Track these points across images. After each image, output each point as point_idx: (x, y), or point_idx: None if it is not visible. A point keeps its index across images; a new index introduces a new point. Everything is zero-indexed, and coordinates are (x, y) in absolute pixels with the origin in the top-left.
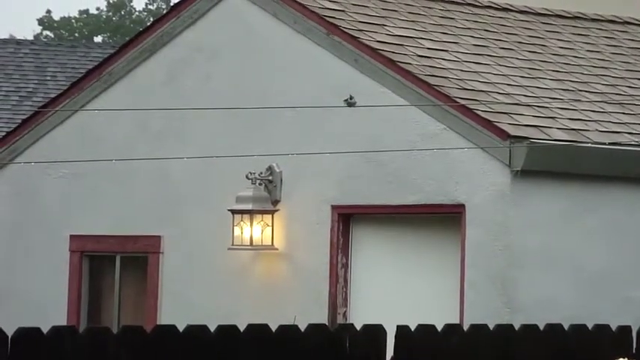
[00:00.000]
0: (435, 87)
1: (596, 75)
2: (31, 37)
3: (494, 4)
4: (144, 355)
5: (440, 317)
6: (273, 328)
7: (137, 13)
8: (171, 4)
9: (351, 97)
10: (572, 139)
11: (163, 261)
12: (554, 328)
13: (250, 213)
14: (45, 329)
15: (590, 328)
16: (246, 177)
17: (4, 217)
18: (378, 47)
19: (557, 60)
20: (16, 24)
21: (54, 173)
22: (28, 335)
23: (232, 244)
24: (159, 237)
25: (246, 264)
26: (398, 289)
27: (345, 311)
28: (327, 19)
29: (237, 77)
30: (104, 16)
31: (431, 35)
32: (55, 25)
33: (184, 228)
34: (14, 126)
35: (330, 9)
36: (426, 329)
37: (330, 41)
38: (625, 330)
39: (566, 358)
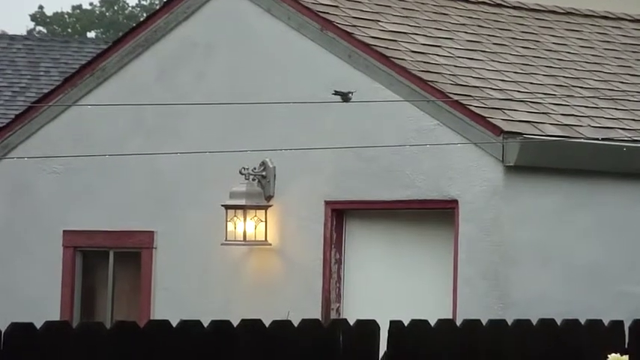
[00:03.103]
0: (429, 82)
1: (589, 71)
2: (23, 33)
3: None
4: (137, 350)
5: (433, 312)
6: (267, 323)
7: (130, 8)
8: None
9: (350, 93)
10: (565, 135)
11: (157, 256)
12: (546, 324)
13: (244, 208)
14: (38, 324)
15: (582, 323)
16: (240, 172)
17: None
18: (371, 43)
19: (550, 56)
20: (9, 20)
21: (47, 169)
22: (21, 330)
23: (226, 240)
24: (152, 232)
25: (240, 259)
26: (391, 284)
27: (339, 307)
28: (321, 14)
29: (231, 73)
30: (97, 12)
31: (424, 31)
32: (48, 20)
33: (178, 223)
34: (7, 121)
35: (324, 4)
36: (419, 324)
37: (323, 37)
38: (618, 325)
39: (558, 354)
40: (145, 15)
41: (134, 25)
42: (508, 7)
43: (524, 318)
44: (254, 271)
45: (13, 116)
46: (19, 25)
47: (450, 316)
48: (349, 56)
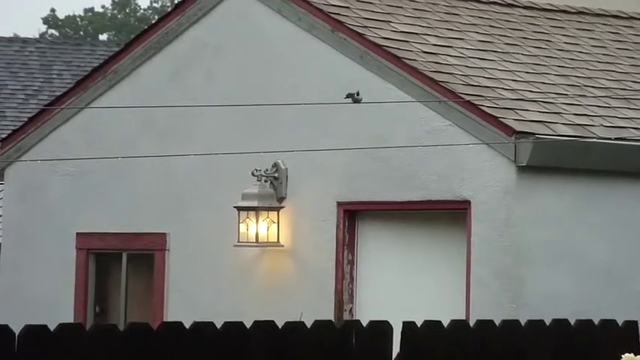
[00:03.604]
0: (441, 83)
1: (601, 70)
2: (36, 36)
3: None
4: (151, 351)
5: (446, 313)
6: (280, 324)
7: (142, 10)
8: (176, 1)
9: (357, 94)
10: (577, 135)
11: (169, 258)
12: (560, 324)
13: (256, 210)
14: (52, 327)
15: (596, 323)
16: (252, 174)
17: (11, 214)
18: (383, 44)
19: (562, 55)
20: (21, 23)
21: (60, 171)
22: (35, 333)
23: (238, 241)
24: (165, 234)
25: (252, 261)
26: (404, 285)
27: (352, 308)
28: (332, 15)
29: (243, 74)
30: (109, 14)
31: (436, 31)
32: (60, 23)
33: (190, 225)
34: (20, 124)
35: (335, 5)
36: (432, 325)
37: (335, 38)
38: (631, 325)
39: (572, 354)
40: (156, 17)
41: (146, 27)
42: (519, 6)
43: (536, 318)
44: (266, 273)
45: (26, 119)
46: (32, 28)
47: (463, 317)
48: (361, 57)
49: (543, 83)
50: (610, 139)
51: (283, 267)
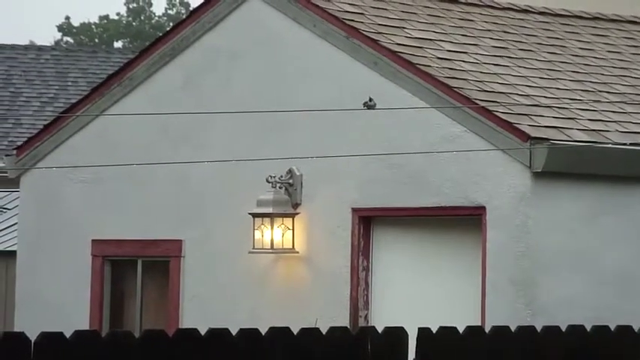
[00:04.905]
0: (455, 89)
1: (616, 75)
2: (51, 44)
3: (514, 5)
4: (166, 358)
5: (461, 319)
6: (295, 330)
7: (157, 18)
8: (191, 8)
9: (370, 100)
10: (592, 140)
11: (185, 265)
12: (576, 330)
13: (271, 216)
14: (68, 334)
15: (612, 329)
16: (267, 180)
17: (27, 221)
18: (397, 50)
19: (576, 61)
20: (36, 30)
21: (75, 178)
22: (51, 340)
23: (253, 248)
24: (180, 241)
25: (267, 267)
26: (419, 291)
27: (367, 314)
28: (347, 22)
29: (257, 81)
30: (124, 22)
31: (450, 37)
32: (75, 31)
33: (205, 232)
34: (36, 131)
35: (350, 12)
36: (448, 331)
37: (349, 44)
38: None
39: None
40: (171, 24)
41: (161, 34)
42: (534, 12)
43: (552, 324)
44: (281, 279)
45: (41, 126)
46: (47, 35)
47: (479, 323)
48: (375, 63)
49: (558, 89)
50: (625, 144)
51: (298, 273)
